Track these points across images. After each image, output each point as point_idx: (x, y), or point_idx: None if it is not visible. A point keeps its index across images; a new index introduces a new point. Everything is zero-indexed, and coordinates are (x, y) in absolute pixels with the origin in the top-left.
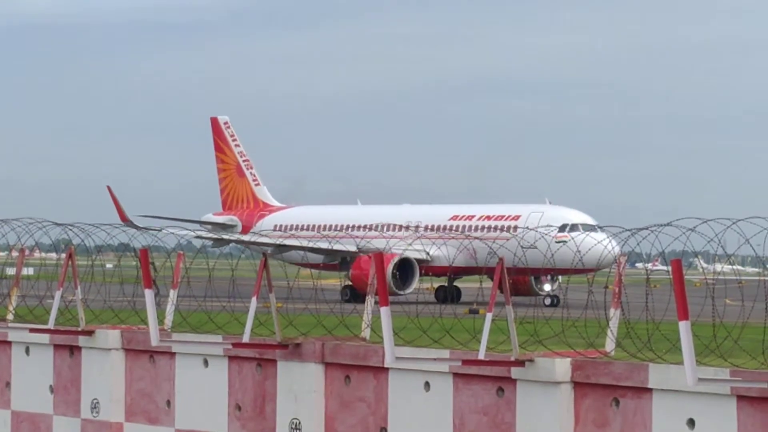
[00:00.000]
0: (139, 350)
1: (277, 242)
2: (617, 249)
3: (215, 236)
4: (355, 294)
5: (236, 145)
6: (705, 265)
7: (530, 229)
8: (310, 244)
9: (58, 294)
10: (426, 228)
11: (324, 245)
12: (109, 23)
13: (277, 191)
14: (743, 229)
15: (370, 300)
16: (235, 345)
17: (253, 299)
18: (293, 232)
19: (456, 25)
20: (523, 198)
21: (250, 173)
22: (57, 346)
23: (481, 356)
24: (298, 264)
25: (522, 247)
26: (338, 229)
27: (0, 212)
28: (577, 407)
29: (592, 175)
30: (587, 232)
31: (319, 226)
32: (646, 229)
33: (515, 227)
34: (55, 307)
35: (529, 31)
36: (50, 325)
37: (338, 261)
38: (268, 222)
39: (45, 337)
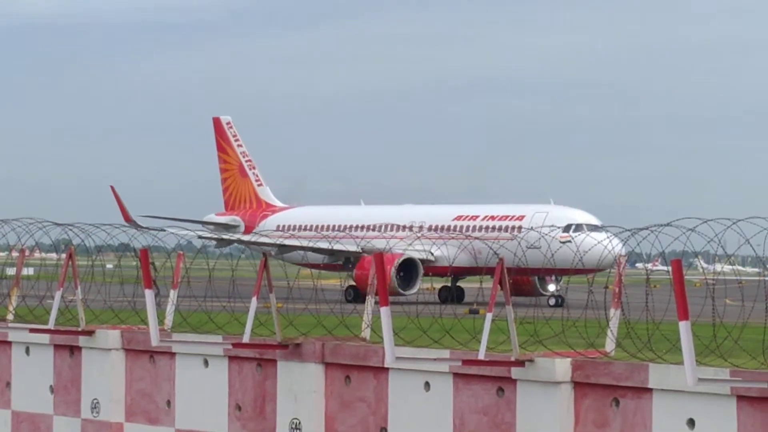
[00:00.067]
0: (139, 350)
1: (280, 242)
2: (618, 249)
3: (217, 236)
4: (358, 294)
5: (239, 145)
6: (705, 265)
7: (533, 230)
8: (311, 244)
9: (58, 294)
10: (430, 228)
11: (327, 245)
12: (109, 23)
13: (277, 191)
14: (743, 229)
15: (370, 300)
16: (235, 345)
17: (254, 299)
18: (293, 232)
19: (456, 25)
20: (522, 198)
21: (253, 173)
22: (57, 346)
23: (481, 356)
24: (302, 264)
25: (527, 247)
26: (342, 229)
27: (0, 212)
28: (577, 407)
29: (592, 175)
30: (587, 233)
31: (322, 227)
32: (646, 229)
33: (519, 227)
34: (56, 307)
35: (529, 31)
36: (50, 325)
37: (342, 261)
38: (271, 222)
39: (45, 337)
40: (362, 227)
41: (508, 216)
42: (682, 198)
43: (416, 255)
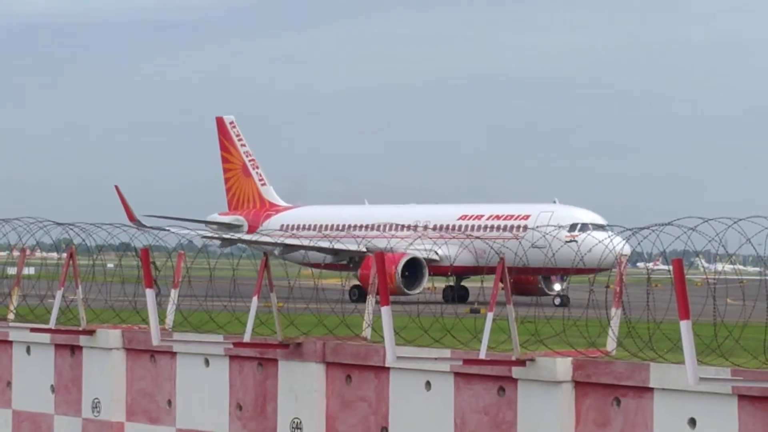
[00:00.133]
0: (140, 350)
1: (285, 242)
2: (620, 248)
3: (221, 236)
4: (363, 293)
5: (242, 145)
6: (706, 265)
7: (535, 229)
8: (314, 244)
9: (59, 293)
10: (435, 228)
11: (333, 245)
12: (109, 23)
13: (278, 191)
14: (744, 229)
15: (371, 299)
16: (236, 344)
17: (254, 299)
18: (295, 232)
19: (456, 25)
20: (522, 197)
21: (256, 173)
22: (58, 346)
23: (482, 356)
24: (306, 264)
25: (532, 246)
26: (346, 229)
27: (1, 212)
28: (578, 407)
29: (592, 175)
30: (588, 232)
31: (326, 226)
32: (648, 228)
33: (525, 227)
34: (56, 307)
35: (529, 31)
36: (51, 325)
37: (346, 261)
38: (274, 222)
39: (46, 337)
40: (366, 227)
41: (513, 215)
42: (683, 198)
43: (421, 254)
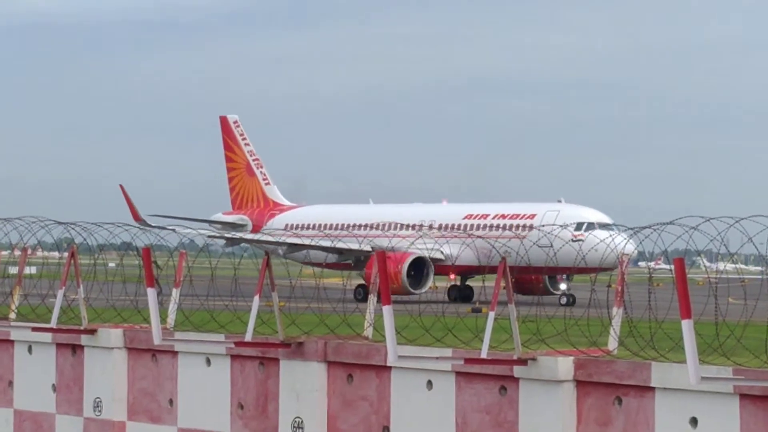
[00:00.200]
0: (141, 349)
1: (290, 242)
2: (621, 247)
3: (227, 236)
4: (368, 293)
5: (246, 144)
6: (708, 264)
7: (538, 229)
8: (317, 243)
9: (60, 293)
10: (440, 227)
11: (339, 245)
12: (109, 23)
13: (281, 191)
14: (746, 228)
15: (372, 299)
16: (237, 344)
17: (256, 298)
18: (296, 231)
19: (456, 25)
20: (522, 197)
21: (260, 172)
22: (59, 345)
23: (484, 355)
24: (312, 264)
25: (538, 246)
26: (348, 228)
27: (2, 211)
28: (579, 406)
29: (592, 175)
30: (590, 232)
31: (331, 226)
32: (649, 227)
33: (530, 226)
34: (58, 306)
35: (529, 31)
36: (53, 324)
37: (352, 260)
38: (279, 221)
39: (47, 336)
40: (371, 226)
41: (519, 215)
42: (683, 198)
43: (427, 254)
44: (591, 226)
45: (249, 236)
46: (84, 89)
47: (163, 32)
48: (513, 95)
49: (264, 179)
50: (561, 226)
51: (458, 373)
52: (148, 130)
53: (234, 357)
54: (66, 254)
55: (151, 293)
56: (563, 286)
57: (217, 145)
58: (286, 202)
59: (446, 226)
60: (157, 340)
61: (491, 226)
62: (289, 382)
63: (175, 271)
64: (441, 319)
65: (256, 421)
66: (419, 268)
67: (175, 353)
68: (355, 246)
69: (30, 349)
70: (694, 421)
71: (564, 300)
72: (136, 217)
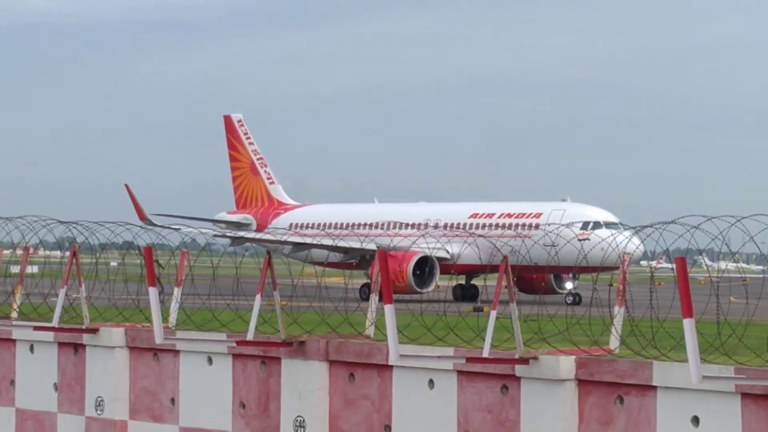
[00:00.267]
0: (143, 348)
1: (296, 241)
2: (625, 246)
3: (234, 235)
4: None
5: (250, 143)
6: (709, 263)
7: (543, 228)
8: (322, 243)
9: (62, 292)
10: (445, 226)
11: (336, 243)
12: (109, 23)
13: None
14: (747, 227)
15: (374, 298)
16: (239, 343)
17: (257, 297)
18: (297, 230)
19: (456, 25)
20: (523, 197)
21: (265, 171)
22: (61, 344)
23: (486, 354)
24: (316, 263)
25: (545, 245)
26: (351, 227)
27: (4, 210)
28: (581, 405)
29: (591, 175)
30: (592, 231)
31: (336, 225)
32: (651, 226)
33: (537, 225)
34: (60, 305)
35: (530, 31)
36: (54, 323)
37: (357, 259)
38: (283, 220)
39: (49, 335)
40: (376, 225)
41: (525, 213)
42: (683, 198)
43: (432, 253)
44: (597, 225)
45: (255, 235)
46: (84, 89)
47: (163, 32)
48: (513, 95)
49: (268, 178)
50: (565, 225)
51: (460, 372)
52: (149, 130)
53: (236, 356)
54: (68, 253)
55: (152, 292)
56: (569, 285)
57: (218, 145)
58: (291, 201)
59: (451, 225)
60: (158, 339)
61: (497, 225)
62: (290, 381)
63: (176, 270)
64: (442, 318)
65: (258, 420)
66: (425, 267)
67: (176, 352)
68: (359, 245)
69: (32, 348)
70: (695, 420)
71: (570, 299)
72: (142, 216)
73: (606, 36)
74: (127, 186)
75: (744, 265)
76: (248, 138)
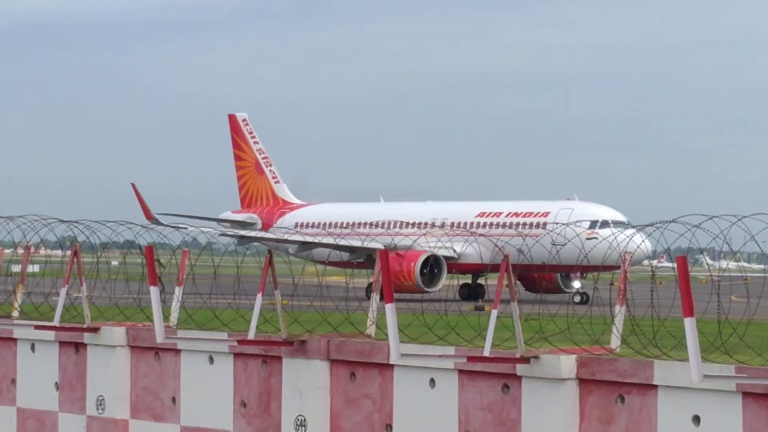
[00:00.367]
0: (144, 347)
1: (302, 240)
2: (626, 245)
3: (240, 234)
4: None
5: (255, 143)
6: (710, 262)
7: (546, 227)
8: (327, 241)
9: (63, 291)
10: (452, 225)
11: (353, 243)
12: (110, 23)
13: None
14: (748, 226)
15: (375, 297)
16: (240, 342)
17: (259, 296)
18: (298, 230)
19: (461, 23)
20: (529, 196)
21: (270, 170)
22: (62, 343)
23: (487, 353)
24: (326, 263)
25: (552, 244)
26: (364, 226)
27: (5, 209)
28: (582, 404)
29: (592, 175)
30: (593, 230)
31: (342, 224)
32: (652, 225)
33: (544, 224)
34: (61, 304)
35: (536, 28)
36: (55, 322)
37: (364, 258)
38: (288, 219)
39: (50, 334)
40: (383, 224)
41: (533, 212)
42: (684, 197)
43: (440, 252)
44: (605, 224)
45: (262, 234)
46: (85, 89)
47: (165, 32)
48: (514, 95)
49: (273, 177)
50: (567, 224)
51: (461, 371)
52: (153, 129)
53: (237, 355)
54: (69, 252)
55: (154, 291)
56: (576, 284)
57: (221, 144)
58: (296, 201)
59: (458, 225)
60: (159, 338)
61: (504, 225)
62: (291, 380)
63: (177, 270)
64: (444, 317)
65: (259, 419)
66: (432, 266)
67: (177, 351)
68: (368, 244)
69: (33, 347)
70: (696, 419)
71: (578, 298)
72: (149, 215)
73: (606, 35)
74: (133, 185)
75: (745, 264)
76: (253, 137)
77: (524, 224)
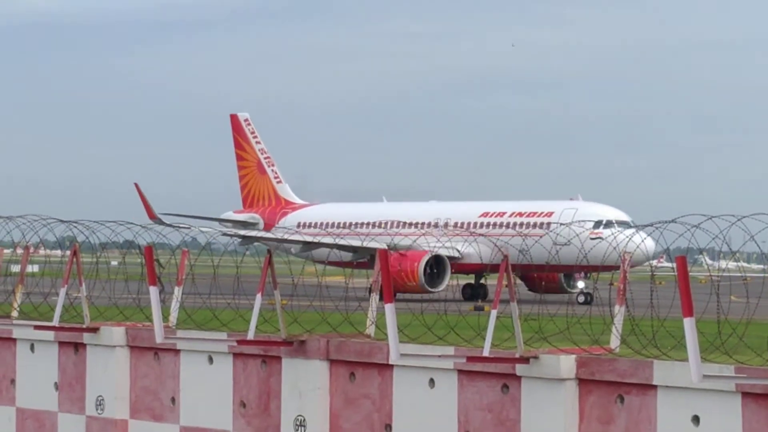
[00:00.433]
0: (143, 347)
1: (308, 240)
2: (626, 245)
3: (243, 234)
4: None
5: (257, 142)
6: (710, 262)
7: (558, 225)
8: (335, 241)
9: (62, 291)
10: (455, 225)
11: (336, 242)
12: (110, 23)
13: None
14: (748, 226)
15: (374, 297)
16: (239, 342)
17: (258, 296)
18: (298, 230)
19: (463, 23)
20: (522, 195)
21: (272, 170)
22: (62, 343)
23: (486, 353)
24: (328, 263)
25: (557, 244)
26: (367, 226)
27: (4, 209)
28: (581, 404)
29: (592, 175)
30: (598, 230)
31: (345, 224)
32: (651, 225)
33: (548, 224)
34: (60, 304)
35: (537, 28)
36: (55, 322)
37: (367, 258)
38: (291, 219)
39: (50, 335)
40: (386, 224)
41: (537, 212)
42: (683, 197)
43: (444, 252)
44: (609, 224)
45: (266, 234)
46: (85, 89)
47: (166, 32)
48: (514, 94)
49: (275, 177)
50: (570, 224)
51: (460, 372)
52: (151, 130)
53: (236, 355)
54: (68, 252)
55: (153, 291)
56: (581, 284)
57: (221, 144)
58: (298, 200)
59: (462, 225)
60: (159, 338)
61: (507, 225)
62: (291, 380)
63: (177, 269)
64: (443, 317)
65: (259, 419)
66: (436, 266)
67: (177, 351)
68: (371, 244)
69: (32, 348)
70: (696, 419)
71: (582, 298)
72: (152, 215)
73: (606, 34)
74: (136, 185)
75: (744, 264)
76: (255, 137)
77: (528, 224)
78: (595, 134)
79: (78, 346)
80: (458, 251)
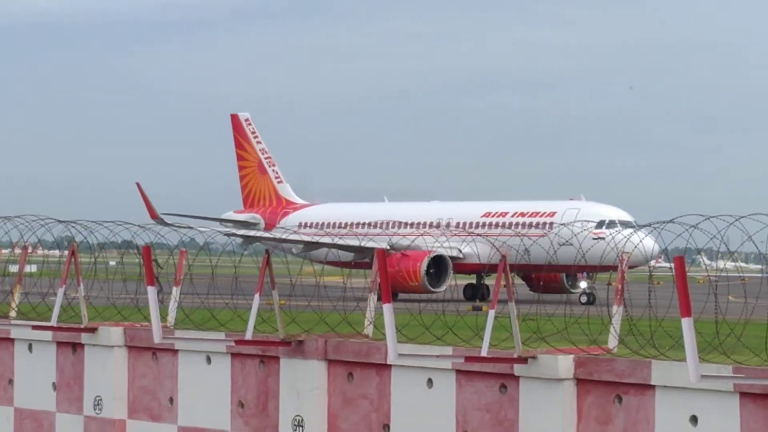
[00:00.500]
0: (141, 347)
1: (310, 240)
2: (624, 245)
3: (245, 234)
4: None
5: (258, 142)
6: (708, 262)
7: (560, 226)
8: (336, 242)
9: (60, 291)
10: (458, 225)
11: (335, 242)
12: (110, 23)
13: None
14: (746, 226)
15: (372, 297)
16: (237, 342)
17: (256, 296)
18: (296, 230)
19: (464, 23)
20: (523, 195)
21: (273, 170)
22: (60, 344)
23: (484, 353)
24: (329, 263)
25: (559, 244)
26: (368, 226)
27: (3, 209)
28: (580, 404)
29: (592, 175)
30: (600, 230)
31: (346, 224)
32: (649, 225)
33: (551, 224)
34: (58, 304)
35: (538, 28)
36: (53, 323)
37: (369, 258)
38: (292, 219)
39: (48, 335)
40: (388, 224)
41: (539, 212)
42: (684, 196)
43: (446, 252)
44: (612, 224)
45: (267, 234)
46: (86, 88)
47: (167, 31)
48: (514, 94)
49: (276, 177)
50: (573, 223)
51: (458, 372)
52: (151, 130)
53: (234, 355)
54: (66, 252)
55: (151, 291)
56: (583, 284)
57: (222, 144)
58: (299, 200)
59: (464, 225)
60: (157, 338)
61: (510, 225)
62: (289, 380)
63: (175, 270)
64: (441, 317)
65: (257, 420)
66: (438, 266)
67: (175, 351)
68: (372, 244)
69: (30, 348)
70: (694, 419)
71: (584, 298)
72: (154, 215)
73: (606, 33)
74: (138, 185)
75: (743, 265)
76: (256, 137)
77: (530, 224)
78: (595, 134)
79: (76, 346)
80: (460, 251)
